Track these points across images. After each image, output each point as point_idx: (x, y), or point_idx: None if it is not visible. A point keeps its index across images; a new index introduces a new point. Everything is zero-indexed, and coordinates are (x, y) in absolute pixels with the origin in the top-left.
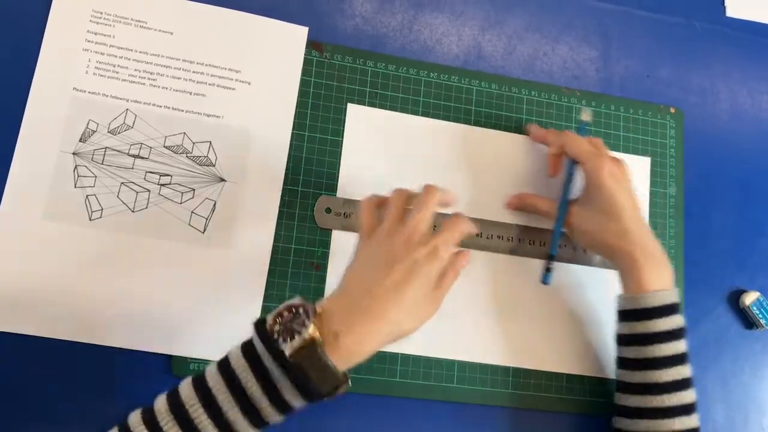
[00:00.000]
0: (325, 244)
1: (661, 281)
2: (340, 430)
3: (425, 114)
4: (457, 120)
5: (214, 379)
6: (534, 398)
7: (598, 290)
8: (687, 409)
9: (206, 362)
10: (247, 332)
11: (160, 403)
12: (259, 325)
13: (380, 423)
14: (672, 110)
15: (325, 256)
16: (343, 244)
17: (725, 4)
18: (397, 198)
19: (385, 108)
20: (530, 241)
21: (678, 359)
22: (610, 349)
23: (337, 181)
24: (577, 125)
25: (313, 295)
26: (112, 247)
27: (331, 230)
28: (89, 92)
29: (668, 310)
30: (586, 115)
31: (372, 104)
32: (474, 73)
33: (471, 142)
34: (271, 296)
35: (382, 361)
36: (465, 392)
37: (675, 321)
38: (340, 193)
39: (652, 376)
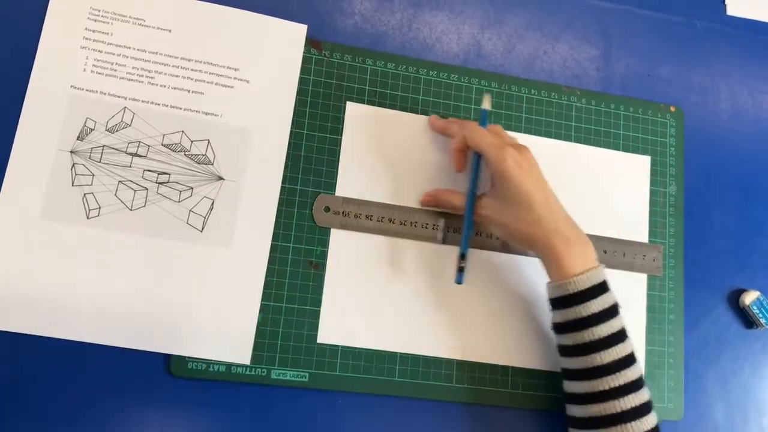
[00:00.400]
0: (324, 243)
1: (584, 262)
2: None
3: (424, 112)
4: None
5: None
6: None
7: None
8: (635, 386)
9: (204, 362)
10: (244, 333)
11: None
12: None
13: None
14: (672, 109)
15: (323, 255)
16: (341, 243)
17: (726, 3)
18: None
19: (385, 106)
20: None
21: (616, 338)
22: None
23: (336, 180)
24: (479, 112)
25: (311, 294)
26: (110, 246)
27: (330, 229)
28: (87, 90)
29: (597, 290)
30: (486, 103)
31: (371, 102)
32: (474, 71)
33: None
34: (269, 295)
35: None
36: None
37: (605, 300)
38: (339, 191)
39: (593, 360)
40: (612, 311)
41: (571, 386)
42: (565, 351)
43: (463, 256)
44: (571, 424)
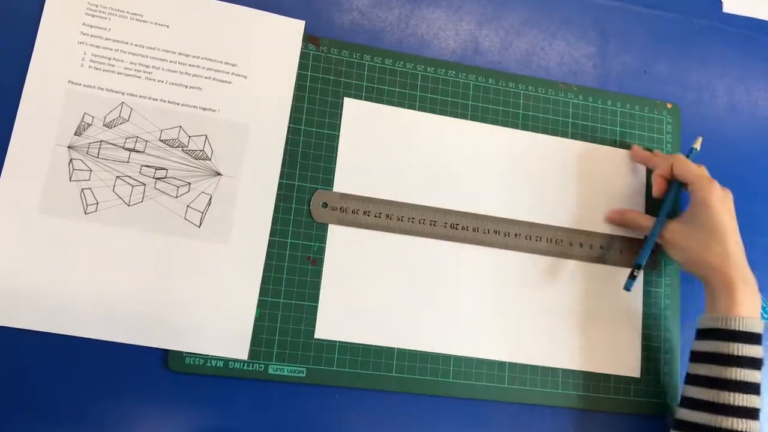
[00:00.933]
0: (322, 239)
1: (753, 309)
2: (341, 426)
3: (422, 108)
4: (453, 115)
5: None
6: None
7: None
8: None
9: (202, 357)
10: (241, 328)
11: None
12: None
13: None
14: (669, 106)
15: (321, 251)
16: (339, 239)
17: (722, 1)
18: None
19: (382, 102)
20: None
21: (753, 387)
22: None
23: (334, 176)
24: (689, 153)
25: (308, 290)
26: (108, 241)
27: (328, 225)
28: (84, 85)
29: (754, 338)
30: (698, 144)
31: (369, 98)
32: (471, 67)
33: (467, 137)
34: (266, 290)
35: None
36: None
37: (757, 350)
38: (337, 187)
39: (724, 396)
40: (758, 363)
41: (689, 415)
42: (696, 381)
43: (639, 267)
44: None
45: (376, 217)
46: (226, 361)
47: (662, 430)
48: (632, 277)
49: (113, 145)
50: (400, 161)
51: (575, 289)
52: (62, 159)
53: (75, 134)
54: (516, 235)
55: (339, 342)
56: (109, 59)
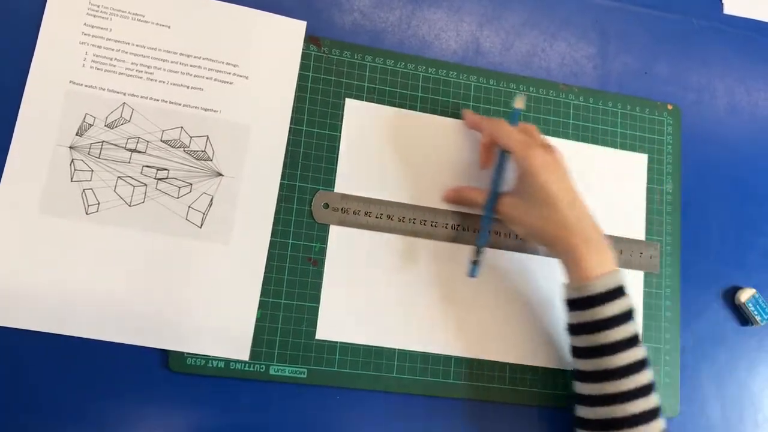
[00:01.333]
0: (323, 240)
1: (603, 265)
2: (342, 427)
3: (423, 109)
4: (455, 115)
5: None
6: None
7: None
8: (644, 391)
9: (203, 357)
10: (243, 329)
11: None
12: None
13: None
14: (669, 107)
15: (322, 252)
16: (340, 240)
17: (723, 2)
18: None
19: (383, 103)
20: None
21: (630, 342)
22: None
23: (335, 176)
24: (509, 111)
25: (309, 290)
26: (109, 241)
27: (329, 225)
28: (86, 86)
29: (614, 294)
30: (519, 102)
31: (370, 99)
32: (472, 68)
33: (468, 138)
34: (268, 291)
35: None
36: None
37: (622, 304)
38: (338, 188)
39: (605, 362)
40: (627, 315)
41: (581, 388)
42: (578, 353)
43: (478, 250)
44: (577, 424)
45: (377, 218)
46: (228, 361)
47: None
48: (474, 263)
49: (115, 145)
50: (402, 162)
51: None
52: (64, 159)
53: (76, 134)
54: (517, 236)
55: (340, 343)
56: (111, 59)
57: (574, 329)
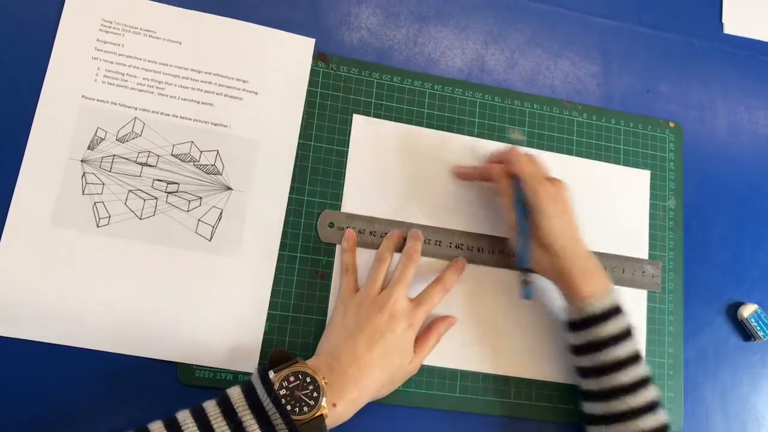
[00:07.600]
0: (330, 253)
1: (599, 288)
2: None
3: (429, 125)
4: (460, 132)
5: (217, 421)
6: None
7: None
8: (652, 407)
9: (212, 370)
10: (251, 342)
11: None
12: (268, 385)
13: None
14: (671, 125)
15: (329, 265)
16: None
17: (723, 22)
18: (379, 262)
19: (390, 119)
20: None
21: (632, 359)
22: None
23: (343, 191)
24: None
25: (317, 303)
26: (120, 254)
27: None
28: (98, 100)
29: (611, 313)
30: (518, 135)
31: (377, 115)
32: (477, 86)
33: (475, 154)
34: (276, 304)
35: None
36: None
37: (621, 323)
38: (345, 203)
39: (611, 380)
40: (626, 334)
41: (590, 407)
42: (583, 373)
43: (524, 270)
44: None
45: (381, 237)
46: (236, 374)
47: None
48: (525, 282)
49: (126, 159)
50: (407, 178)
51: None
52: (75, 172)
53: (88, 148)
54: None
55: None
56: (123, 75)
57: (577, 350)
